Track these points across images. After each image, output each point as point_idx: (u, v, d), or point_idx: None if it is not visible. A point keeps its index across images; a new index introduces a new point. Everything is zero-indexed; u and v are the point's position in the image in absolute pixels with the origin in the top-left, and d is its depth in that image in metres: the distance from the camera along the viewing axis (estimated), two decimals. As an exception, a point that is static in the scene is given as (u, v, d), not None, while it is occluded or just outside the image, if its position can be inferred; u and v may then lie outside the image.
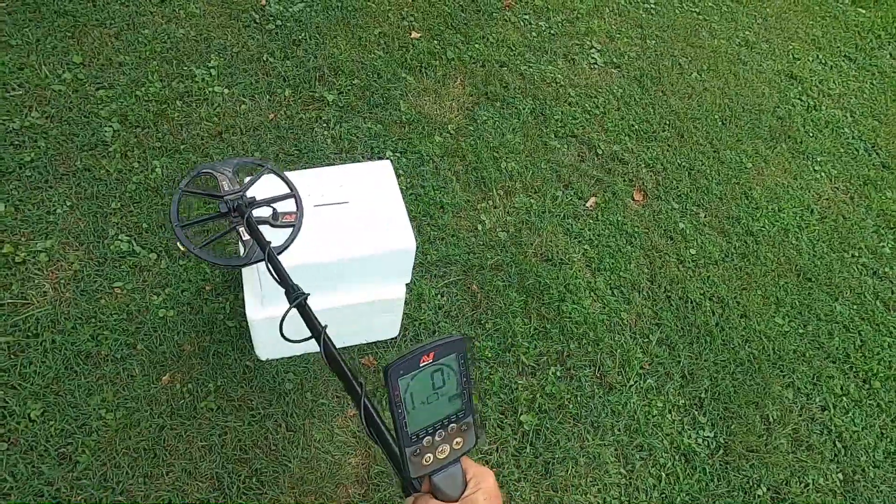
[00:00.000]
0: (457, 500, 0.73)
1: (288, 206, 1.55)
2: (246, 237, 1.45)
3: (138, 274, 1.96)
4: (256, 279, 1.66)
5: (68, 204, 2.06)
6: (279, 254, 1.39)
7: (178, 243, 2.05)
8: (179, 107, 2.41)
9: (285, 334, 1.19)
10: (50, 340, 1.79)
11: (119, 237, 2.02)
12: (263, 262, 1.34)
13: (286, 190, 1.56)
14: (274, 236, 1.43)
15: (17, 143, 2.16)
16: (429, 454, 0.74)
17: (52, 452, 1.63)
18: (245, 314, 1.78)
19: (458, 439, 0.75)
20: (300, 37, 2.76)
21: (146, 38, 2.58)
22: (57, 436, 1.65)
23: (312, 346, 1.90)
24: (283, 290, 1.22)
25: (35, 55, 2.41)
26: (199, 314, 1.92)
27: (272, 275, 1.30)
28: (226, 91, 2.50)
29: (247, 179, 1.54)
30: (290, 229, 1.50)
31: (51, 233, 1.99)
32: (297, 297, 1.23)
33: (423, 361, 0.71)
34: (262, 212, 1.51)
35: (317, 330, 1.16)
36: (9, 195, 2.03)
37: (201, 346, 1.86)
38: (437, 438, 0.74)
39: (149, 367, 1.80)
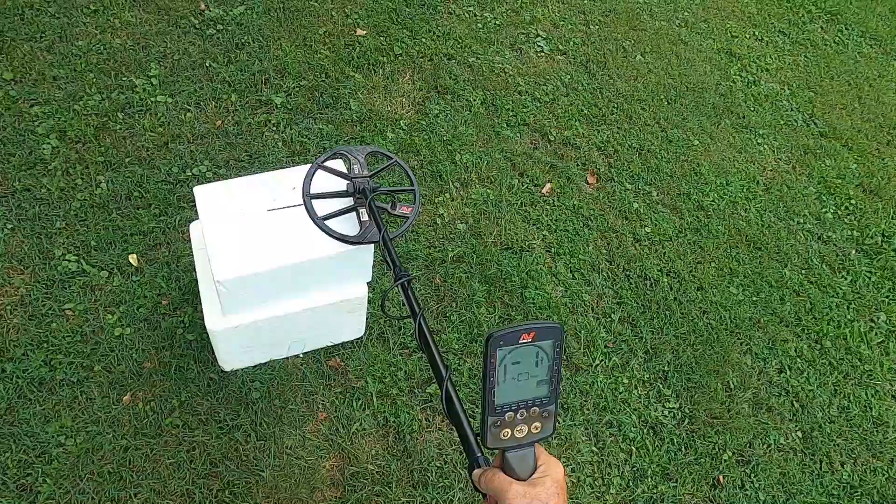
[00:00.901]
0: (524, 481, 0.75)
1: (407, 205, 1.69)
2: (364, 218, 1.59)
3: (90, 293, 1.90)
4: (214, 289, 1.62)
5: (9, 227, 1.98)
6: (393, 238, 1.55)
7: (131, 257, 1.99)
8: (121, 119, 2.33)
9: (386, 309, 1.38)
10: (0, 370, 1.72)
11: (66, 257, 1.95)
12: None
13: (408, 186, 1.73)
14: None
15: (-52, 166, 2.06)
16: (507, 430, 0.75)
17: (11, 485, 1.57)
18: (205, 326, 1.75)
19: (538, 424, 0.77)
20: (243, 40, 2.71)
21: (80, 49, 2.49)
22: (15, 467, 1.59)
23: (279, 353, 1.88)
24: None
25: (-39, 74, 2.30)
26: (157, 330, 1.87)
27: (384, 255, 1.47)
28: (169, 100, 2.43)
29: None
30: (406, 221, 1.64)
31: (-8, 258, 1.91)
32: (400, 277, 1.36)
33: (523, 339, 0.73)
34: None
35: (414, 312, 1.25)
36: (-57, 222, 1.94)
37: (162, 362, 1.82)
38: (518, 417, 0.76)
39: (108, 388, 1.75)
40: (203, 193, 1.62)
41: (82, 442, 1.65)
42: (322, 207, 1.62)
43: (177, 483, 1.63)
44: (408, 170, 1.73)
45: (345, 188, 1.64)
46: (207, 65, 2.58)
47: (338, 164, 1.71)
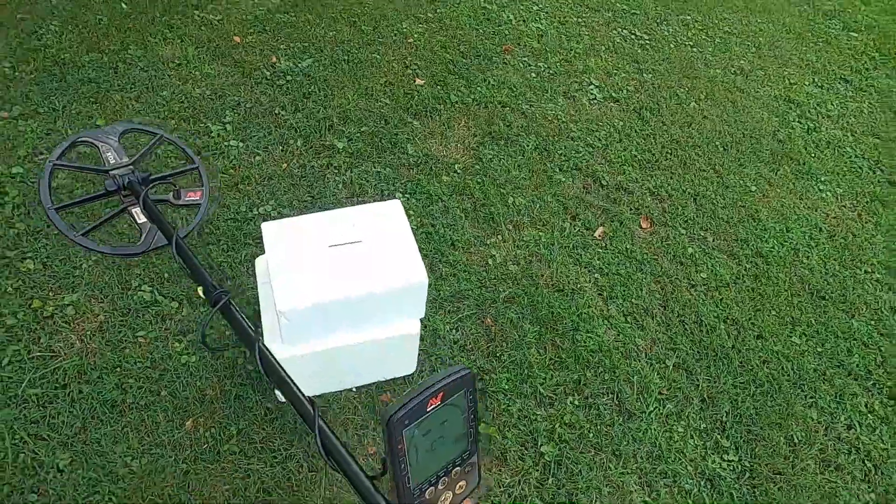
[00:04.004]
0: None
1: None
2: (141, 220, 1.24)
3: (161, 322, 2.02)
4: (274, 318, 1.70)
5: (93, 258, 2.15)
6: (186, 236, 1.20)
7: (198, 290, 2.11)
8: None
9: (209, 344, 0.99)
10: (77, 391, 1.84)
11: (142, 288, 2.09)
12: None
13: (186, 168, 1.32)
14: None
15: (45, 203, 2.26)
16: None
17: (81, 502, 1.65)
18: (265, 356, 1.82)
19: (462, 482, 0.68)
20: (310, 90, 2.89)
21: (165, 99, 2.72)
22: (84, 485, 1.68)
23: (332, 385, 1.93)
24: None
25: (61, 121, 2.55)
26: (220, 359, 1.96)
27: (181, 267, 1.10)
28: (241, 144, 2.61)
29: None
30: (198, 209, 1.30)
31: (77, 286, 2.06)
32: (219, 298, 1.01)
33: (432, 404, 0.61)
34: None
35: (249, 337, 0.92)
36: (37, 253, 2.12)
37: (223, 391, 1.90)
38: (439, 487, 0.66)
39: (172, 413, 1.84)
40: (270, 229, 1.72)
41: (147, 463, 1.73)
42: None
43: (231, 509, 1.68)
44: (181, 144, 1.38)
45: (105, 187, 1.27)
46: (276, 112, 2.77)
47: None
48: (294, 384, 0.90)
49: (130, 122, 1.35)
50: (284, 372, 0.91)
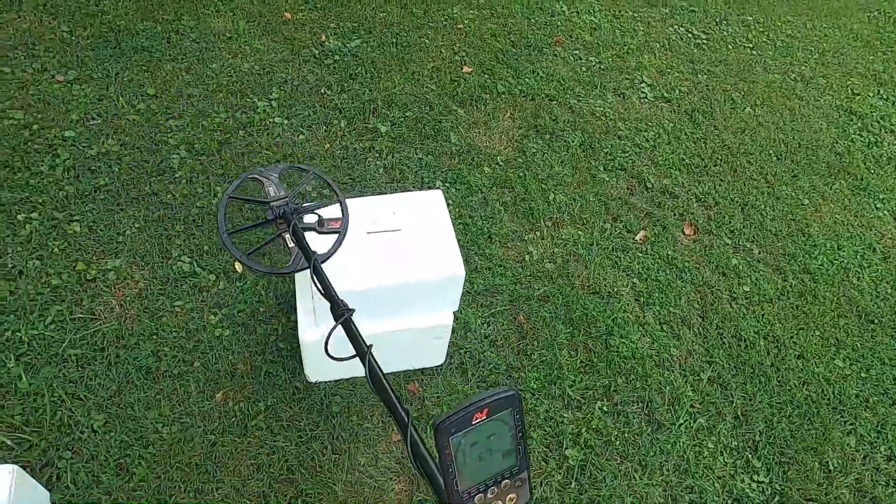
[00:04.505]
0: None
1: (334, 211, 1.56)
2: (291, 244, 1.43)
3: (198, 294, 2.05)
4: (311, 300, 1.71)
5: (137, 226, 2.19)
6: (324, 261, 1.38)
7: (237, 264, 2.13)
8: (242, 136, 2.53)
9: (331, 353, 1.19)
10: (114, 355, 1.88)
11: (182, 258, 2.12)
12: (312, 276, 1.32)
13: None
14: (319, 243, 1.48)
15: (93, 168, 2.31)
16: None
17: (112, 463, 1.69)
18: (297, 336, 1.83)
19: (512, 495, 0.73)
20: (357, 71, 2.88)
21: (214, 72, 2.74)
22: (116, 447, 1.72)
23: (360, 369, 1.93)
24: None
25: (113, 87, 2.59)
26: (252, 335, 1.98)
27: (317, 287, 1.29)
28: (285, 122, 2.62)
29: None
30: (336, 235, 1.48)
31: (120, 252, 2.11)
32: (342, 314, 1.21)
33: (477, 419, 0.67)
34: (309, 217, 1.52)
35: (362, 349, 1.13)
36: (84, 216, 2.17)
37: (254, 366, 1.92)
38: (489, 496, 0.71)
39: (204, 384, 1.87)
40: (311, 211, 1.72)
41: (176, 432, 1.76)
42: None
43: (255, 484, 1.71)
44: (328, 180, 1.58)
45: (266, 216, 1.51)
46: (322, 91, 2.76)
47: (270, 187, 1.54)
48: (393, 392, 1.07)
49: (287, 163, 1.68)
50: (387, 381, 1.08)
